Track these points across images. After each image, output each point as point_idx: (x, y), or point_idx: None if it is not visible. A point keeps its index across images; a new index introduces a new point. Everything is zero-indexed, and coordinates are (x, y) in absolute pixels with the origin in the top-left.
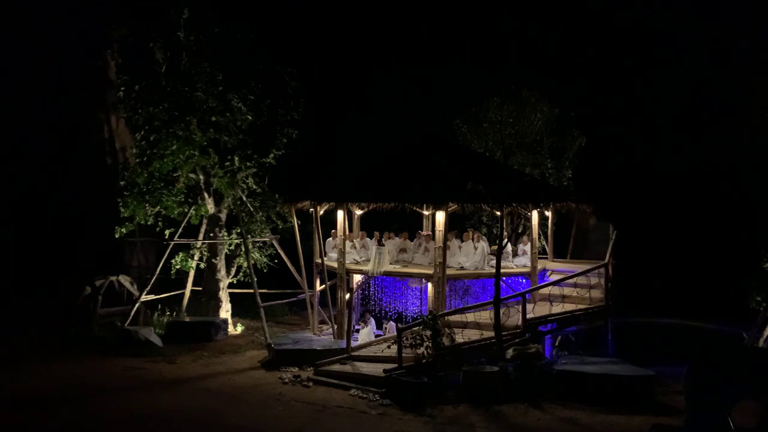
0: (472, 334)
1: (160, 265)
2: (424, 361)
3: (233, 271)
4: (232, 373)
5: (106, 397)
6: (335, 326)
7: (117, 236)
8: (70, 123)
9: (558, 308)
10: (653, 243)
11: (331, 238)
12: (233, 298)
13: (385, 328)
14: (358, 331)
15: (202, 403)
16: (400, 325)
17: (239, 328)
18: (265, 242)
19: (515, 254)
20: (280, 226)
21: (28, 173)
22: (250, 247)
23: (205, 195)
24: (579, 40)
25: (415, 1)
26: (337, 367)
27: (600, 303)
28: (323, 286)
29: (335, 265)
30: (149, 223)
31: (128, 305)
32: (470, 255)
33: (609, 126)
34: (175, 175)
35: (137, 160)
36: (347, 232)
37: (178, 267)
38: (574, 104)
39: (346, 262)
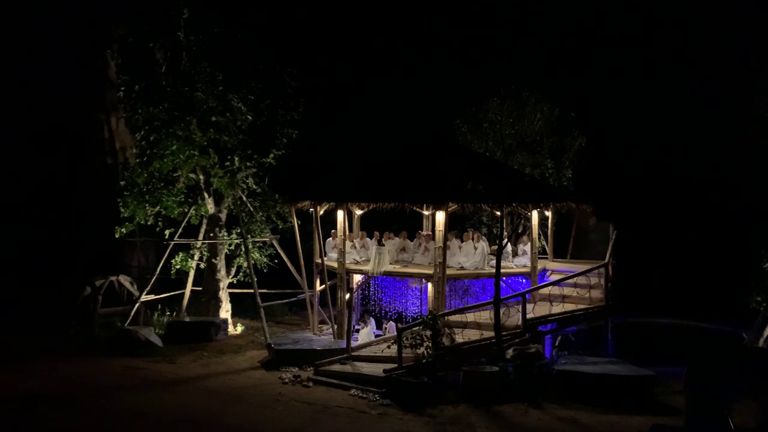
0: (472, 334)
1: (160, 265)
2: (424, 361)
3: (233, 271)
4: (232, 373)
5: (106, 397)
6: (335, 326)
7: (117, 236)
8: (70, 123)
9: (558, 308)
10: (653, 243)
11: (331, 238)
12: (233, 298)
13: (385, 328)
14: (358, 331)
15: (202, 403)
16: (400, 325)
17: (239, 328)
18: (265, 242)
19: (515, 254)
20: (280, 226)
21: (28, 173)
22: (250, 247)
23: (205, 195)
24: (578, 39)
25: (415, 1)
26: (337, 367)
27: (600, 303)
28: (323, 286)
29: (335, 265)
30: (149, 223)
31: (128, 305)
32: (470, 255)
33: (609, 126)
34: (175, 175)
35: (137, 160)
36: (347, 232)
37: (178, 267)
38: (574, 104)
39: (346, 262)
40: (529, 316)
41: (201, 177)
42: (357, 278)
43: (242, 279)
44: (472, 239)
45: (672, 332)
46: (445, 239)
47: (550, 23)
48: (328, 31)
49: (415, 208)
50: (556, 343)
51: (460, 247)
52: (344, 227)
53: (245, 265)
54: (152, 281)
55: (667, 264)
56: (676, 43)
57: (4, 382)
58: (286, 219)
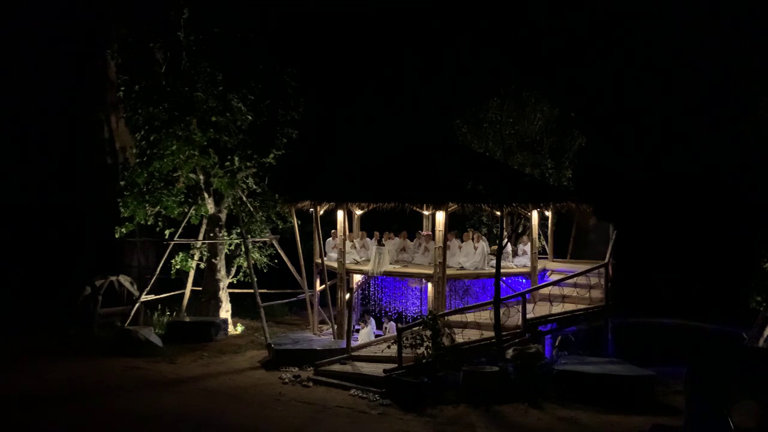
0: (472, 334)
1: (160, 265)
2: (424, 361)
3: (233, 271)
4: (232, 373)
5: (106, 397)
6: (335, 326)
7: (117, 236)
8: (70, 123)
9: (558, 308)
10: (653, 243)
11: (331, 238)
12: (233, 298)
13: (385, 328)
14: (358, 331)
15: (202, 403)
16: (400, 325)
17: (239, 328)
18: (265, 242)
19: (515, 254)
20: (280, 226)
21: (28, 173)
22: (250, 247)
23: (205, 195)
24: (578, 39)
25: (415, 1)
26: (337, 367)
27: (600, 303)
28: (323, 286)
29: (335, 265)
30: (149, 223)
31: (128, 305)
32: (470, 255)
33: (609, 126)
34: (175, 175)
35: (137, 160)
36: (347, 232)
37: (178, 267)
38: (574, 104)
39: (346, 262)
40: (529, 316)
41: (201, 177)
42: (357, 278)
43: (242, 279)
44: (472, 239)
45: (672, 332)
46: (445, 239)
47: (550, 23)
48: (328, 31)
49: (415, 208)
50: (556, 343)
51: (460, 247)
52: (344, 227)
53: (245, 265)
54: (152, 281)
55: (667, 264)
56: (677, 42)
57: (4, 382)
58: (286, 219)
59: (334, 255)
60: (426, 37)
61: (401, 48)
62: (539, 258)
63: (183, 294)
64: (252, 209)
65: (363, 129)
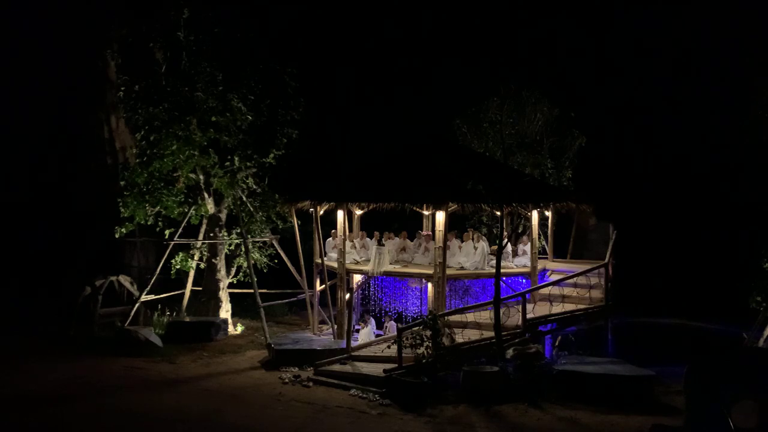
0: (472, 334)
1: (160, 265)
2: (424, 361)
3: (233, 271)
4: (232, 373)
5: (106, 397)
6: (335, 326)
7: (117, 236)
8: (70, 123)
9: (558, 308)
10: (653, 243)
11: (331, 238)
12: (233, 298)
13: (386, 328)
14: (358, 331)
15: (202, 403)
16: (400, 325)
17: (239, 328)
18: (265, 242)
19: (515, 254)
20: (280, 226)
21: (28, 173)
22: (250, 247)
23: (205, 195)
24: (578, 38)
25: (415, 1)
26: (337, 367)
27: (600, 303)
28: (323, 286)
29: (335, 265)
30: (149, 223)
31: (128, 305)
32: (470, 255)
33: (609, 126)
34: (175, 175)
35: (137, 160)
36: (347, 232)
37: (178, 267)
38: (574, 104)
39: (346, 262)
40: (529, 316)
41: (201, 177)
42: (357, 278)
43: (242, 279)
44: (472, 239)
45: (672, 332)
46: (445, 239)
47: (550, 23)
48: (328, 31)
49: (415, 208)
50: (556, 343)
51: (460, 247)
52: (344, 227)
53: (245, 265)
54: (152, 281)
55: (667, 264)
56: (677, 42)
57: (4, 382)
58: (286, 219)
59: (334, 255)
60: (426, 36)
61: (402, 47)
62: (539, 258)
63: (183, 294)
64: (252, 209)
65: (363, 129)
